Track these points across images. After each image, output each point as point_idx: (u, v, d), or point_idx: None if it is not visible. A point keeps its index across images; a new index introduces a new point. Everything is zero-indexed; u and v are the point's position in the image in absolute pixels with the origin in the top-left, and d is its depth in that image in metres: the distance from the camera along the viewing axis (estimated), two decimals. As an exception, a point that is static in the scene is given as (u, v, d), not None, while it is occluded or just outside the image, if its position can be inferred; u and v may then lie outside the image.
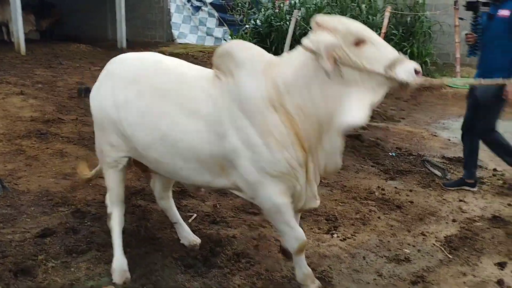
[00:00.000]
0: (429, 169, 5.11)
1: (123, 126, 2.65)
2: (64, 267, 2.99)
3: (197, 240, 3.25)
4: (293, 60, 2.38)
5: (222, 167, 2.48)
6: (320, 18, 2.30)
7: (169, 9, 14.79)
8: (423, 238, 3.61)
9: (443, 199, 4.38)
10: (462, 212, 4.12)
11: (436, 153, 5.83)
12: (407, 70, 2.20)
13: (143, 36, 15.46)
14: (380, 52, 2.23)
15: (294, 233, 2.55)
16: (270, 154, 2.33)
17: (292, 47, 12.50)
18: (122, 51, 14.17)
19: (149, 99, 2.55)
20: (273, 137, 2.32)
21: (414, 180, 4.84)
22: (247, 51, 2.45)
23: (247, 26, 13.82)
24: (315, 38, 2.22)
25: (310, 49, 2.21)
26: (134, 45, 14.45)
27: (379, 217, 3.92)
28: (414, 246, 3.49)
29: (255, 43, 11.11)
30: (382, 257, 3.32)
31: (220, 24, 14.80)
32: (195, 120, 2.44)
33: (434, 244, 3.52)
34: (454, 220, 3.93)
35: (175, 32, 14.96)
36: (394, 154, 5.67)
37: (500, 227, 3.79)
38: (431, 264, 3.24)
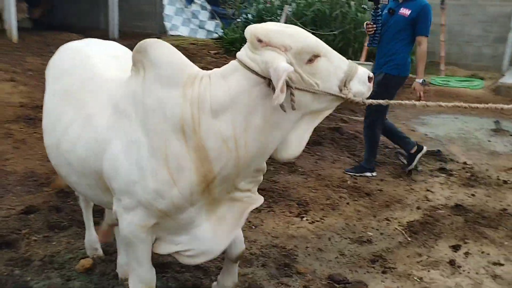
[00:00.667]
0: (401, 161, 5.34)
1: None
2: (46, 241, 3.19)
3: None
4: (229, 79, 1.87)
5: (106, 185, 2.10)
6: (261, 31, 1.82)
7: (162, 0, 14.90)
8: (387, 223, 3.85)
9: (411, 189, 4.62)
10: (427, 200, 4.36)
11: (411, 146, 6.06)
12: (361, 80, 1.93)
13: (135, 27, 15.56)
14: (333, 64, 1.89)
15: (142, 273, 2.16)
16: (152, 183, 1.89)
17: (281, 41, 12.74)
18: (114, 41, 14.33)
19: (56, 99, 2.28)
20: (166, 167, 1.87)
21: (387, 171, 5.07)
22: (167, 54, 1.95)
23: (238, 19, 14.02)
24: (262, 59, 1.79)
25: (256, 72, 1.81)
26: (126, 36, 14.62)
27: (348, 203, 4.16)
28: (377, 229, 3.73)
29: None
30: (346, 239, 3.55)
31: (212, 17, 14.97)
32: (87, 128, 2.08)
33: (396, 228, 3.76)
34: (418, 208, 4.17)
35: (168, 24, 15.08)
36: (370, 146, 5.87)
37: (460, 214, 4.03)
38: (391, 246, 3.48)
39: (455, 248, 3.45)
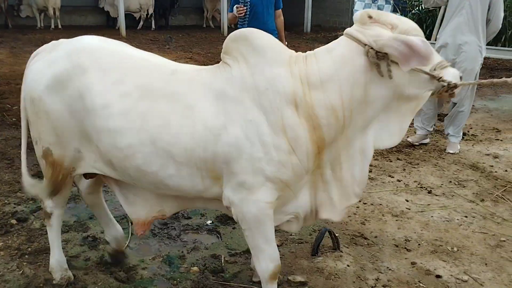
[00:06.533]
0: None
1: (97, 134, 2.21)
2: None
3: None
4: (333, 53, 2.12)
5: (215, 171, 2.16)
6: (373, 11, 2.10)
7: (354, -3, 16.96)
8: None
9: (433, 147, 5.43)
10: (436, 147, 5.38)
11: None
12: (452, 73, 2.11)
13: (331, 22, 18.08)
14: None
15: (271, 252, 2.26)
16: (276, 155, 2.06)
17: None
18: (306, 35, 17.21)
19: (134, 98, 2.16)
20: (285, 138, 2.06)
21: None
22: (267, 39, 2.19)
23: (414, 11, 15.15)
24: (370, 33, 2.03)
25: (361, 42, 2.04)
26: (318, 30, 17.36)
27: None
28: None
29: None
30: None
31: (394, 10, 16.35)
32: (190, 117, 2.11)
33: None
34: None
35: (355, 19, 17.11)
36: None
37: (432, 155, 5.07)
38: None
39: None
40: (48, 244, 3.05)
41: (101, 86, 2.18)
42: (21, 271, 2.81)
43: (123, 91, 2.17)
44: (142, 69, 2.24)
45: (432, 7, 6.14)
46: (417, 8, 14.70)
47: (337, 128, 2.11)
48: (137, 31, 15.69)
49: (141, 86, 2.17)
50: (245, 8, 5.00)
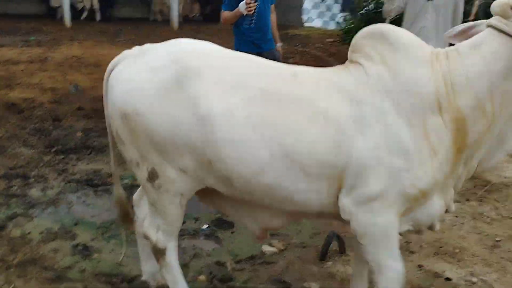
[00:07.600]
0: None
1: (215, 147, 1.92)
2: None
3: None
4: (482, 48, 1.90)
5: (341, 183, 1.93)
6: None
7: (303, -5, 17.16)
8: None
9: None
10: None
11: None
12: None
13: (281, 20, 18.13)
14: None
15: (397, 267, 2.00)
16: (417, 163, 1.86)
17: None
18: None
19: (260, 104, 1.92)
20: (427, 143, 1.87)
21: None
22: (407, 36, 1.99)
23: (362, 11, 15.51)
24: None
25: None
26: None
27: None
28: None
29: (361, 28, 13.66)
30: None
31: (343, 10, 16.69)
32: (321, 125, 1.89)
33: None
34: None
35: (304, 17, 17.33)
36: None
37: None
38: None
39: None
40: (36, 254, 2.82)
41: (220, 90, 1.93)
42: (12, 286, 2.54)
43: (246, 96, 1.92)
44: (259, 71, 2.01)
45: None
46: (366, 8, 15.00)
47: (484, 126, 1.92)
48: (82, 22, 14.94)
49: (265, 90, 1.94)
50: (256, 3, 4.25)
